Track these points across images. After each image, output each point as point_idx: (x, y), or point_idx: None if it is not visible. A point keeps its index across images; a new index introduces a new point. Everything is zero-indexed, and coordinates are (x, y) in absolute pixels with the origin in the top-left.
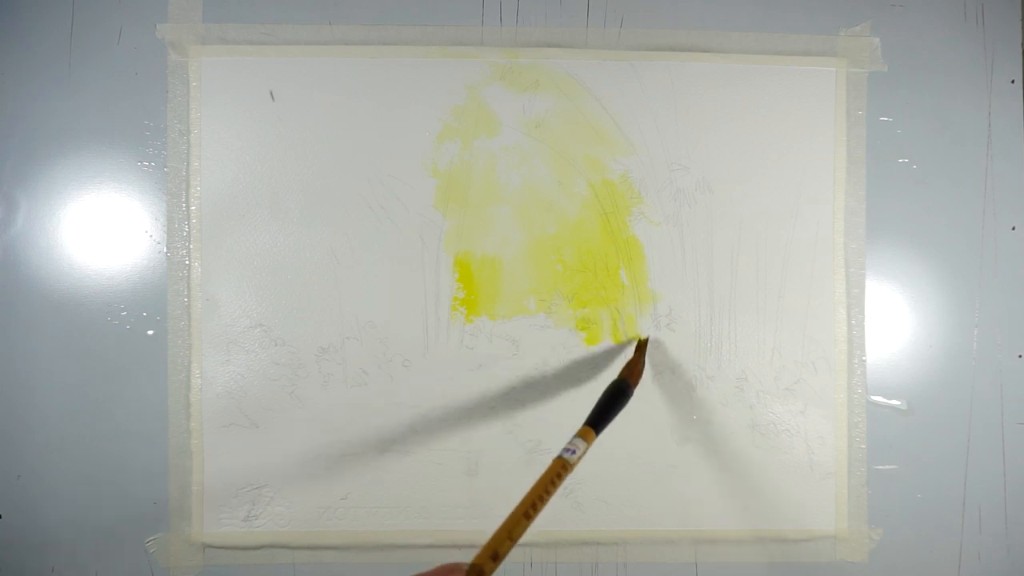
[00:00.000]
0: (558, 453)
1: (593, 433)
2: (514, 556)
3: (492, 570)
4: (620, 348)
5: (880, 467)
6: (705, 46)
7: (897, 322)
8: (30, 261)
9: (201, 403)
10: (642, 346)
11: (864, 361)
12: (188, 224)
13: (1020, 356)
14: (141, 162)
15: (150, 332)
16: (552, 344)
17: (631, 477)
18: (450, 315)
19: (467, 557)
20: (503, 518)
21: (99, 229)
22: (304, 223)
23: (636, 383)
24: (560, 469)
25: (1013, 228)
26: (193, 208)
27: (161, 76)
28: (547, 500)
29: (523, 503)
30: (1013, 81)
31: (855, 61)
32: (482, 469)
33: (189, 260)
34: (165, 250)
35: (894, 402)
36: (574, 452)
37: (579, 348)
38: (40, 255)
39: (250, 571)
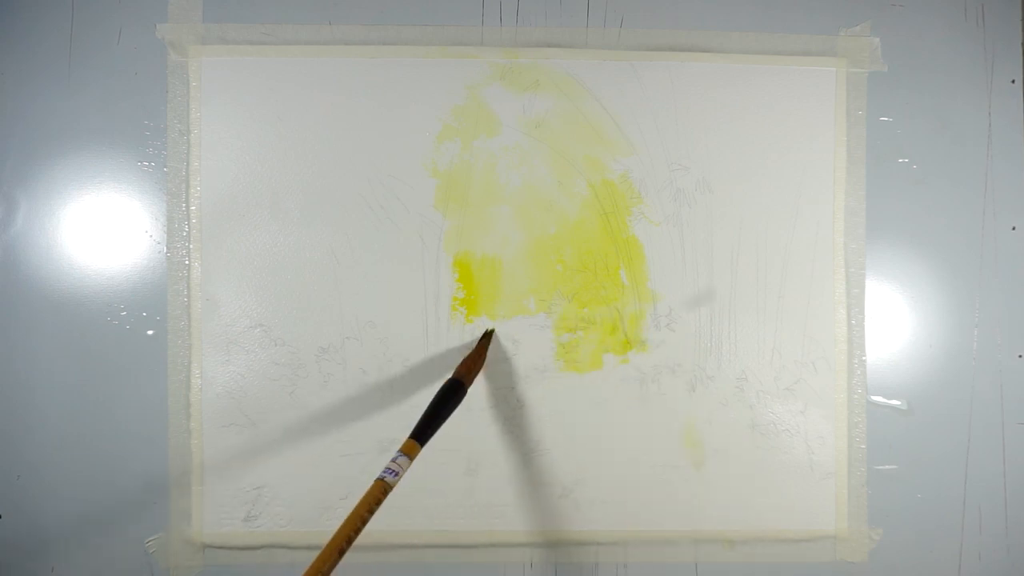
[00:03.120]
0: (379, 474)
1: (418, 446)
2: (514, 556)
3: None
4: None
5: (880, 467)
6: (705, 46)
7: (897, 322)
8: (30, 261)
9: (201, 403)
10: (485, 340)
11: (864, 361)
12: (188, 224)
13: (1020, 356)
14: (141, 162)
15: (150, 332)
16: (552, 343)
17: (631, 477)
18: (450, 315)
19: (467, 557)
20: (503, 517)
21: (99, 229)
22: (304, 223)
23: (471, 381)
24: (380, 494)
25: (1013, 228)
26: (193, 208)
27: (161, 76)
28: (363, 528)
29: (339, 534)
30: (1013, 81)
31: (855, 61)
32: (482, 469)
33: (189, 260)
34: (165, 250)
35: (894, 402)
36: (396, 473)
37: (578, 348)
38: (40, 255)
39: (250, 571)
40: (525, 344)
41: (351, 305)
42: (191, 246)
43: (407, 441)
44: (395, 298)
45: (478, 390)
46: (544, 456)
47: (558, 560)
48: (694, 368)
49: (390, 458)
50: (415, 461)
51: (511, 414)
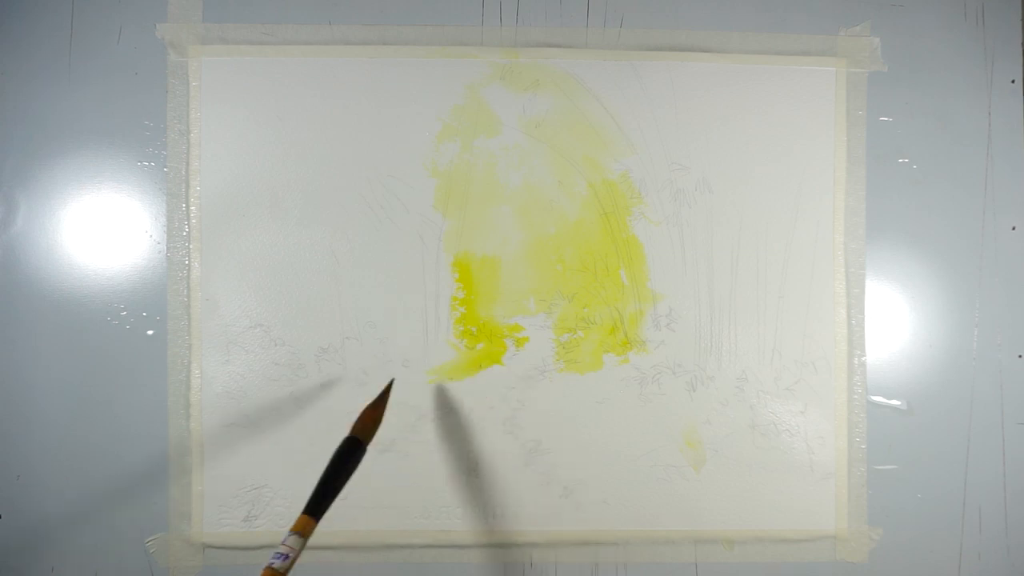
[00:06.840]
0: (268, 561)
1: (314, 522)
2: (514, 556)
3: None
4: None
5: (880, 467)
6: (705, 46)
7: (897, 322)
8: (30, 261)
9: (201, 403)
10: (386, 391)
11: (864, 361)
12: (188, 224)
13: (1020, 356)
14: (141, 162)
15: (150, 332)
16: (552, 344)
17: (631, 477)
18: (450, 315)
19: (467, 557)
20: (503, 517)
21: (99, 229)
22: (304, 223)
23: (370, 437)
24: None
25: (1013, 228)
26: (193, 208)
27: (161, 76)
28: None
29: None
30: (1013, 81)
31: (855, 61)
32: (482, 469)
33: (189, 260)
34: (165, 250)
35: (894, 402)
36: (287, 557)
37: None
38: (40, 255)
39: (250, 571)
40: (525, 344)
41: (351, 305)
42: (191, 246)
43: (300, 517)
44: (395, 298)
45: (478, 391)
46: (544, 456)
47: (558, 560)
48: (694, 368)
49: (281, 540)
50: (414, 460)
51: (511, 414)
